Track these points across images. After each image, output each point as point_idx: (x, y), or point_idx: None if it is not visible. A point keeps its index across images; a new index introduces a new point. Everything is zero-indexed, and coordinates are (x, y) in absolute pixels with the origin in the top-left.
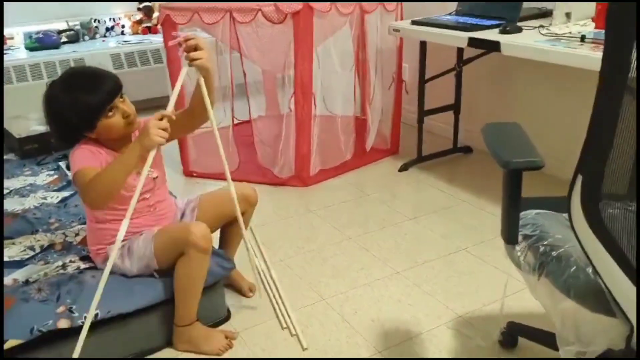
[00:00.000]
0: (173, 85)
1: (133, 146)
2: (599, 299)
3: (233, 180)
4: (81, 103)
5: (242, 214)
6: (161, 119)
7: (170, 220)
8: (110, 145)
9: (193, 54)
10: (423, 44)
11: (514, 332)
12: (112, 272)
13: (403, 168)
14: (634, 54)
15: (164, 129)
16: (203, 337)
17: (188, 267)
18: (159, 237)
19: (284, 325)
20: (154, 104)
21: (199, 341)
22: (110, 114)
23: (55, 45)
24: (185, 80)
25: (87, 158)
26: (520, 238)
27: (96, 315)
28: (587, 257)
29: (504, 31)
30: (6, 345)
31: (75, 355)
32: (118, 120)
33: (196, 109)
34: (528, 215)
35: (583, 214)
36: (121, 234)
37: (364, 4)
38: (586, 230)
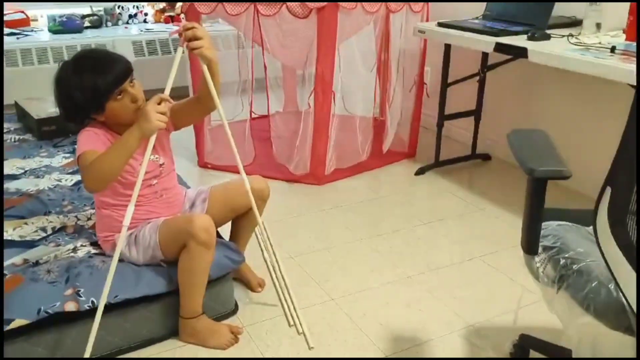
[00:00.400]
0: (192, 74)
1: (132, 130)
2: (619, 317)
3: (247, 174)
4: (89, 83)
5: None
6: (159, 103)
7: (179, 209)
8: (118, 130)
9: (192, 43)
10: (447, 47)
11: (527, 345)
12: (121, 260)
13: (420, 172)
14: None
15: (163, 113)
16: (208, 330)
17: (190, 260)
18: (163, 227)
19: (291, 323)
20: (174, 93)
21: (204, 334)
22: (119, 97)
23: (78, 30)
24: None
25: (91, 141)
26: (540, 249)
27: None
28: (611, 272)
29: (531, 38)
30: (12, 325)
31: (90, 341)
32: (126, 104)
33: (202, 97)
34: (549, 226)
35: (609, 228)
36: (127, 219)
37: (390, 3)
38: (611, 244)
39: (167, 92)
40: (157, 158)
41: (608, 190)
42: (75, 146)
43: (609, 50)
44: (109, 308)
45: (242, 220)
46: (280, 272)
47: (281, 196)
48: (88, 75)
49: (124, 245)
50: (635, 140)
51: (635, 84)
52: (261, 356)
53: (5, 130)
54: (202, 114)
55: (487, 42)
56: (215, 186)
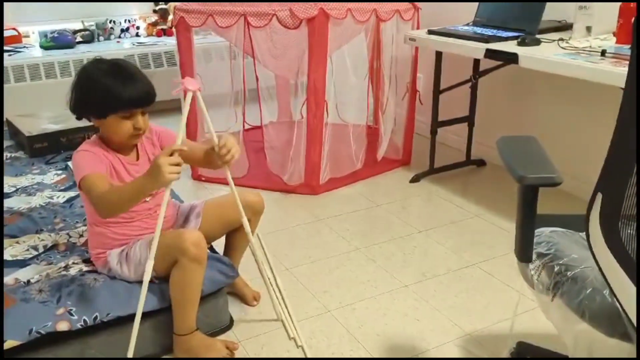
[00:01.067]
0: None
1: (146, 181)
2: (615, 323)
3: (241, 186)
4: (111, 88)
5: (248, 222)
6: (171, 154)
7: (172, 224)
8: (114, 146)
9: (228, 158)
10: (439, 54)
11: (524, 352)
12: (113, 277)
13: (414, 179)
14: None
15: (177, 164)
16: (203, 346)
17: (181, 276)
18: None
19: (292, 336)
20: (167, 107)
21: (198, 351)
22: (126, 116)
23: (70, 45)
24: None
25: (91, 163)
26: (534, 256)
27: (95, 317)
28: (604, 278)
29: (522, 43)
30: (5, 346)
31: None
32: (127, 127)
33: (209, 161)
34: (543, 232)
35: (601, 234)
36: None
37: (380, 12)
38: (604, 250)
39: (180, 141)
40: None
41: (599, 196)
42: (68, 163)
43: (599, 53)
44: (100, 326)
45: (236, 235)
46: (277, 284)
47: (276, 207)
48: (116, 81)
49: (115, 264)
50: (624, 145)
51: (623, 86)
52: None
53: None
54: (204, 166)
55: (477, 49)
56: (209, 200)
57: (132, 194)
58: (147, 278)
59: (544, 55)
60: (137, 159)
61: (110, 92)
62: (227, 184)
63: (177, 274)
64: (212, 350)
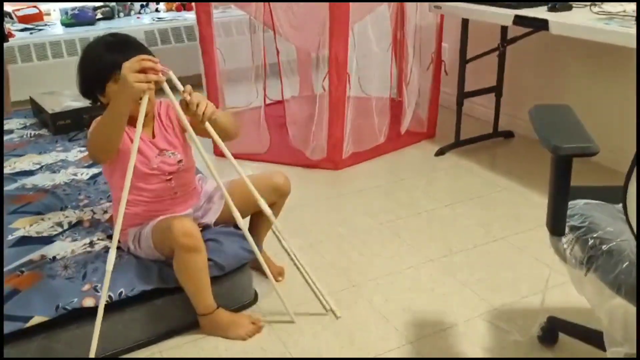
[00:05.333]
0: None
1: (117, 93)
2: None
3: (263, 161)
4: (100, 58)
5: (273, 204)
6: (139, 64)
7: (192, 203)
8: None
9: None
10: (465, 22)
11: (555, 327)
12: (136, 257)
13: (440, 152)
14: None
15: (143, 71)
16: (228, 322)
17: (181, 266)
18: (154, 230)
19: (328, 308)
20: (187, 82)
21: (223, 327)
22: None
23: (91, 22)
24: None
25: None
26: (567, 229)
27: (120, 293)
28: None
29: (552, 9)
30: (31, 322)
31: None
32: None
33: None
34: (576, 205)
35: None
36: (118, 223)
37: None
38: None
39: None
40: (174, 154)
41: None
42: None
43: (634, 18)
44: (125, 302)
45: (261, 216)
46: (300, 262)
47: (299, 182)
48: (100, 50)
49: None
50: None
51: None
52: (283, 346)
53: (21, 126)
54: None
55: (505, 15)
56: (234, 181)
57: (107, 117)
58: (109, 266)
59: (575, 21)
60: (153, 136)
61: (94, 62)
62: (249, 159)
63: (177, 264)
64: (237, 325)
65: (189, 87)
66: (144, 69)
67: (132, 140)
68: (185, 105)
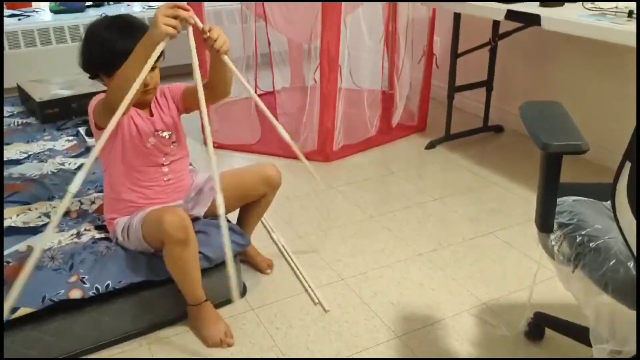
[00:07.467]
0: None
1: (142, 39)
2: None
3: (253, 152)
4: (109, 42)
5: (263, 196)
6: (172, 9)
7: (182, 194)
8: None
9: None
10: (457, 16)
11: (542, 323)
12: (123, 248)
13: (430, 146)
14: None
15: (175, 17)
16: (206, 320)
17: (170, 259)
18: (145, 221)
19: (316, 302)
20: (178, 71)
21: (201, 322)
22: None
23: (80, 9)
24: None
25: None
26: (555, 226)
27: (107, 285)
28: (629, 249)
29: (544, 4)
30: (18, 313)
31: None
32: None
33: (213, 83)
34: (565, 202)
35: (629, 204)
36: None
37: None
38: (631, 220)
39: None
40: (170, 135)
41: (627, 164)
42: (79, 129)
43: (626, 14)
44: (113, 294)
45: (250, 208)
46: (289, 254)
47: (289, 174)
48: (114, 35)
49: (120, 235)
50: None
51: None
52: (271, 338)
53: (8, 114)
54: (211, 101)
55: (497, 10)
56: (226, 172)
57: (134, 57)
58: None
59: (567, 16)
60: (151, 115)
61: (105, 45)
62: (240, 150)
63: (167, 257)
64: (212, 327)
65: (208, 24)
66: (176, 16)
67: (133, 120)
68: (204, 41)
